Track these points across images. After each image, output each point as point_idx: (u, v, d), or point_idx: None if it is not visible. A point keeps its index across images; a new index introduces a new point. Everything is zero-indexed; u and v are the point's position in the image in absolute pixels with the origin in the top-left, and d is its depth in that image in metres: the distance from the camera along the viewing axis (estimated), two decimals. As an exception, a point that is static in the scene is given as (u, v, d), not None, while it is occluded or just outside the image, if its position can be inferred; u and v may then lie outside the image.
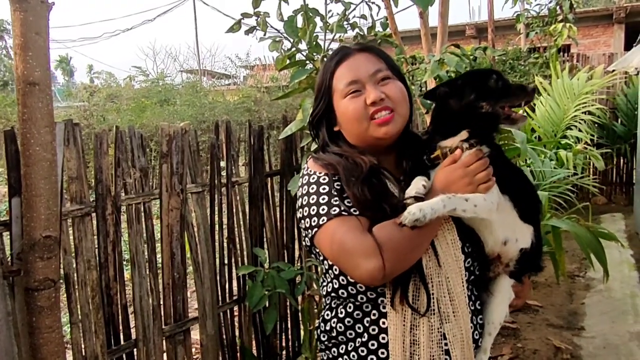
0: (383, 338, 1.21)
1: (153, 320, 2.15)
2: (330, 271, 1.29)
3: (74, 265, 1.89)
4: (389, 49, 2.26)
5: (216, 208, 2.50)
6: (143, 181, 2.14)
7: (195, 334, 2.40)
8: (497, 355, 3.28)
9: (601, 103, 6.90)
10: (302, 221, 1.24)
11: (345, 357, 1.26)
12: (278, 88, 12.61)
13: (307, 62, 2.25)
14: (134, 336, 2.12)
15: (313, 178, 1.24)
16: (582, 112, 5.46)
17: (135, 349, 2.11)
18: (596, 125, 6.87)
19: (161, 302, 2.21)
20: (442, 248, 1.21)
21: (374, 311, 1.23)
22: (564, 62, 7.87)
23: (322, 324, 1.34)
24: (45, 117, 1.44)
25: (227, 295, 2.56)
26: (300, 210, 1.24)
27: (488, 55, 2.58)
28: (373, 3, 2.38)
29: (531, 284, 1.47)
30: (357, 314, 1.25)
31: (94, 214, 1.96)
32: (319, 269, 2.70)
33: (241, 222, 2.63)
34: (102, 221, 1.99)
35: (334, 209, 1.17)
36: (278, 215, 2.84)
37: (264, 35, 2.23)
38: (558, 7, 7.72)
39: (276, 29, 2.26)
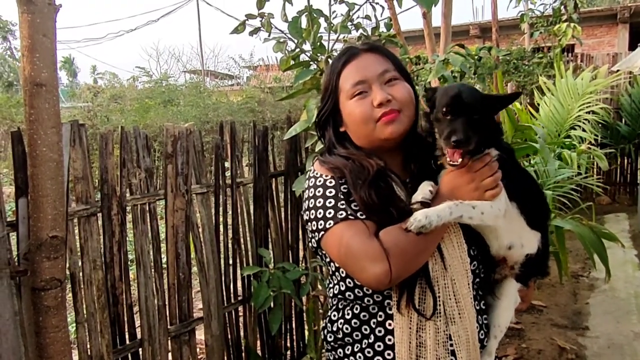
0: (389, 340, 1.21)
1: (158, 320, 2.16)
2: (337, 273, 1.29)
3: (80, 265, 1.89)
4: (394, 49, 2.26)
5: (221, 208, 2.50)
6: (148, 181, 2.15)
7: (200, 334, 2.40)
8: (501, 355, 3.27)
9: (605, 103, 6.88)
10: (309, 224, 1.24)
11: (352, 358, 1.26)
12: (281, 88, 12.63)
13: (311, 62, 2.25)
14: (139, 336, 2.13)
15: (319, 181, 1.24)
16: (586, 112, 5.45)
17: (140, 349, 2.12)
18: (600, 125, 6.85)
19: (166, 302, 2.22)
20: (449, 251, 1.21)
21: (380, 313, 1.23)
22: (568, 62, 7.86)
23: (328, 325, 1.34)
24: (51, 118, 1.45)
25: (232, 295, 2.57)
26: (307, 212, 1.24)
27: (492, 55, 2.57)
28: (377, 4, 2.39)
29: (535, 286, 1.47)
30: (364, 316, 1.25)
31: (99, 214, 1.97)
32: (324, 269, 2.70)
33: (246, 223, 2.64)
34: (108, 221, 2.00)
35: (340, 212, 1.17)
36: (283, 216, 2.84)
37: (268, 36, 2.23)
38: (562, 7, 7.70)
39: (280, 30, 2.27)
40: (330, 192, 1.21)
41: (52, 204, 1.47)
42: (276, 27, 2.25)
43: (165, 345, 2.19)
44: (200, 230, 2.37)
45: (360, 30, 2.35)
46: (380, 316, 1.23)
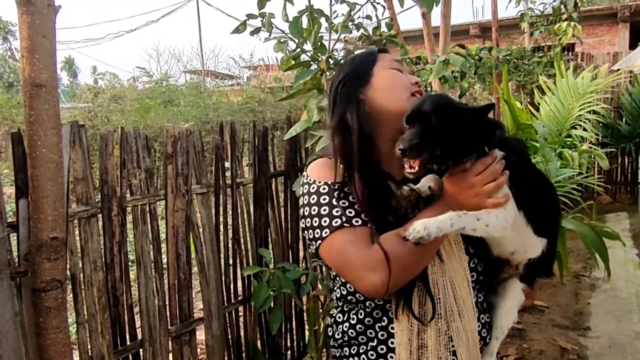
0: (392, 342, 1.22)
1: (159, 321, 2.16)
2: (337, 278, 1.30)
3: (81, 266, 1.89)
4: (394, 49, 2.26)
5: (221, 209, 2.50)
6: (148, 182, 2.14)
7: (200, 334, 2.40)
8: (503, 355, 3.27)
9: (606, 102, 6.88)
10: (306, 232, 1.23)
11: (356, 358, 1.27)
12: (282, 89, 12.62)
13: (312, 62, 2.25)
14: (140, 336, 2.13)
15: (313, 187, 1.23)
16: (587, 112, 5.44)
17: (141, 349, 2.12)
18: (601, 124, 6.85)
19: (167, 303, 2.22)
20: (446, 250, 1.20)
21: (383, 317, 1.23)
22: (568, 61, 7.85)
23: (334, 325, 1.34)
24: (51, 119, 1.45)
25: (232, 295, 2.56)
26: (303, 220, 1.24)
27: (493, 55, 2.57)
28: (378, 3, 2.38)
29: (539, 285, 1.46)
30: (368, 321, 1.25)
31: (99, 215, 1.97)
32: (323, 269, 2.70)
33: (246, 223, 2.64)
34: (108, 222, 1.99)
35: (335, 220, 1.16)
36: (283, 216, 2.84)
37: (269, 36, 2.23)
38: (562, 6, 7.69)
39: (281, 30, 2.26)
40: (324, 199, 1.20)
41: (53, 205, 1.47)
42: (277, 27, 2.25)
43: (165, 346, 2.19)
44: (200, 230, 2.37)
45: (361, 30, 2.34)
46: (384, 320, 1.23)
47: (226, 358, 2.50)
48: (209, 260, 2.39)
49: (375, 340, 1.23)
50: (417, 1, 1.93)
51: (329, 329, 1.37)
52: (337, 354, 1.33)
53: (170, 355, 2.23)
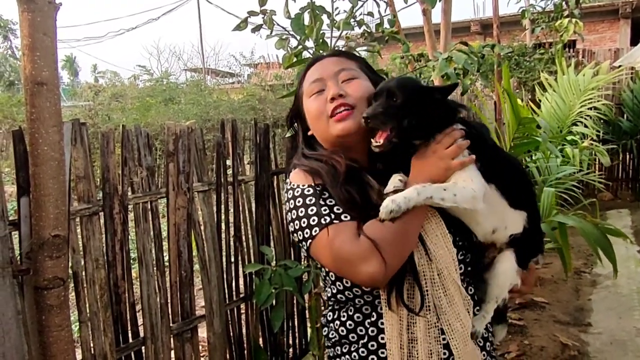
0: (382, 338, 1.22)
1: (161, 319, 2.16)
2: (327, 277, 1.31)
3: (82, 264, 1.90)
4: (396, 46, 2.25)
5: (222, 206, 2.50)
6: (150, 180, 2.14)
7: (202, 332, 2.41)
8: (504, 352, 3.27)
9: (607, 99, 6.87)
10: (295, 235, 1.24)
11: (348, 356, 1.27)
12: (282, 86, 12.62)
13: (313, 59, 2.24)
14: (142, 334, 2.13)
15: (297, 191, 1.24)
16: (588, 108, 5.44)
17: (143, 347, 2.12)
18: (602, 121, 6.84)
19: (169, 300, 2.22)
20: (433, 242, 1.20)
21: (373, 313, 1.24)
22: (569, 57, 7.84)
23: (326, 325, 1.36)
24: (53, 117, 1.45)
25: (234, 293, 2.57)
26: (292, 224, 1.24)
27: (496, 52, 2.57)
28: (380, 0, 2.38)
29: (534, 267, 1.45)
30: (358, 317, 1.26)
31: (101, 213, 1.97)
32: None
33: (247, 220, 2.64)
34: (110, 220, 2.00)
35: (324, 218, 1.17)
36: (284, 213, 2.84)
37: (271, 33, 2.23)
38: (564, 3, 7.67)
39: (283, 27, 2.26)
40: (310, 200, 1.21)
41: (54, 202, 1.47)
42: (278, 24, 2.25)
43: (167, 343, 2.19)
44: (202, 228, 2.37)
45: (363, 27, 2.34)
46: (373, 316, 1.24)
47: (228, 355, 2.50)
48: (211, 258, 2.39)
49: (366, 337, 1.24)
50: (419, -2, 1.92)
51: (324, 329, 1.38)
52: (331, 354, 1.34)
53: (172, 352, 2.24)
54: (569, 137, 5.08)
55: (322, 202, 1.20)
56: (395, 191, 1.15)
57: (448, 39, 4.32)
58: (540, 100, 5.81)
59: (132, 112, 11.15)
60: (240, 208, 2.60)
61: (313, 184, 1.24)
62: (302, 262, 2.86)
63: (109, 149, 1.98)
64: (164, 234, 2.22)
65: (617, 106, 7.40)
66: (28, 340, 1.57)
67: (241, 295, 2.61)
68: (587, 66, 5.96)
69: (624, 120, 7.32)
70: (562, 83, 5.58)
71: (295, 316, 2.89)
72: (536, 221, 1.33)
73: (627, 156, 7.55)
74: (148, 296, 2.12)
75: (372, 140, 1.17)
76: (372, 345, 1.23)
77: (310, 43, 2.24)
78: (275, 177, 2.80)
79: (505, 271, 1.29)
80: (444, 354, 1.20)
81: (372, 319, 1.24)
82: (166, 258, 2.21)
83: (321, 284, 2.59)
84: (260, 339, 2.70)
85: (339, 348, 1.30)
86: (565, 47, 8.24)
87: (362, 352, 1.24)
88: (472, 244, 1.28)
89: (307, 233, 1.19)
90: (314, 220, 1.18)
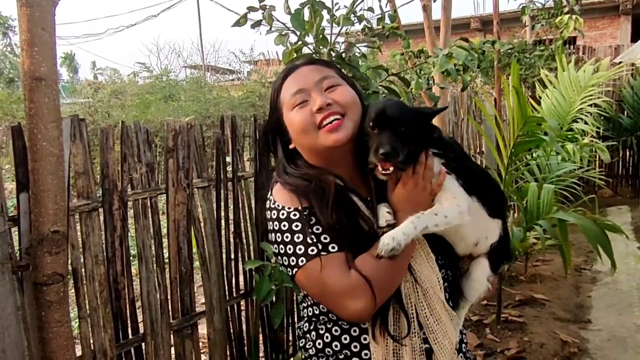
0: (365, 354, 1.20)
1: (161, 315, 2.16)
2: (307, 297, 1.28)
3: (82, 260, 1.89)
4: (396, 42, 2.24)
5: (222, 203, 2.50)
6: (149, 176, 2.14)
7: (202, 328, 2.41)
8: (504, 349, 3.28)
9: (607, 95, 6.87)
10: (279, 257, 1.21)
11: None
12: (282, 83, 12.57)
13: (314, 55, 2.24)
14: (142, 330, 2.13)
15: (283, 214, 1.19)
16: (588, 105, 5.43)
17: (143, 343, 2.12)
18: (602, 117, 6.83)
19: (168, 297, 2.22)
20: (418, 262, 1.19)
21: (354, 328, 1.21)
22: (569, 54, 7.82)
23: (303, 337, 1.31)
24: (52, 113, 1.44)
25: (234, 289, 2.57)
26: (276, 246, 1.21)
27: (496, 49, 2.56)
28: (381, -5, 2.37)
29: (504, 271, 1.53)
30: (336, 330, 1.23)
31: (101, 209, 1.96)
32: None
33: (247, 217, 2.64)
34: (109, 216, 1.99)
35: (311, 248, 1.14)
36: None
37: (270, 29, 2.22)
38: (564, -1, 7.65)
39: (282, 23, 2.25)
40: (297, 226, 1.17)
41: (53, 198, 1.47)
42: (278, 20, 2.24)
43: (167, 340, 2.19)
44: (201, 224, 2.37)
45: (364, 23, 2.33)
46: (355, 331, 1.21)
47: (228, 351, 2.50)
48: (211, 254, 2.39)
49: (348, 352, 1.21)
50: (419, -7, 1.91)
51: (300, 340, 1.35)
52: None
53: (172, 348, 2.24)
54: (569, 134, 5.08)
55: (308, 230, 1.16)
56: (388, 225, 1.16)
57: (448, 35, 4.32)
58: (540, 97, 5.80)
59: (132, 109, 11.15)
60: (240, 204, 2.60)
61: (300, 208, 1.18)
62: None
63: (108, 145, 1.98)
64: (164, 230, 2.21)
65: (618, 103, 7.39)
66: (28, 336, 1.56)
67: (241, 292, 2.61)
68: (588, 63, 5.95)
69: (624, 117, 7.31)
70: (562, 80, 5.57)
71: (295, 313, 2.89)
72: (506, 229, 1.38)
73: (627, 153, 7.55)
74: (148, 292, 2.12)
75: (379, 168, 1.16)
76: None
77: (310, 39, 2.23)
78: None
79: (481, 279, 1.33)
80: None
81: (354, 334, 1.21)
82: (166, 254, 2.21)
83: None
84: (261, 335, 2.70)
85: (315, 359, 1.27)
86: (566, 43, 8.24)
87: None
88: (453, 260, 1.30)
89: (292, 261, 1.16)
90: (300, 250, 1.15)
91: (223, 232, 2.51)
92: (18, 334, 1.53)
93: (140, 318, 2.13)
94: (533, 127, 3.05)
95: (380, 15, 2.39)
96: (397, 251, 1.09)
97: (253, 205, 2.66)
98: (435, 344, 1.19)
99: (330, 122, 1.17)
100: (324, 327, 1.24)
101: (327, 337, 1.23)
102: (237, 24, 2.26)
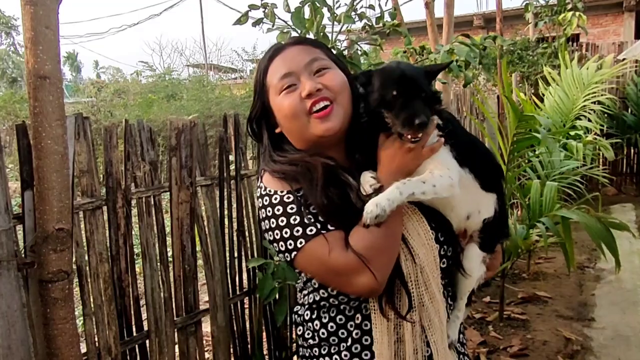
0: (366, 340, 1.19)
1: (165, 312, 2.17)
2: (309, 283, 1.26)
3: (86, 258, 1.90)
4: (397, 40, 2.24)
5: (225, 201, 2.51)
6: (153, 174, 2.15)
7: (206, 326, 2.42)
8: (506, 346, 3.28)
9: (611, 92, 6.84)
10: (274, 244, 1.18)
11: (327, 358, 1.23)
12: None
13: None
14: (146, 328, 2.14)
15: (275, 198, 1.16)
16: (592, 102, 5.41)
17: (147, 340, 2.13)
18: (606, 115, 6.80)
19: (172, 294, 2.23)
20: (415, 240, 1.17)
21: (357, 315, 1.20)
22: (573, 51, 7.78)
23: (303, 324, 1.30)
24: (56, 111, 1.45)
25: (237, 287, 2.57)
26: (270, 233, 1.17)
27: (497, 44, 2.55)
28: (381, -8, 2.37)
29: (501, 250, 1.44)
30: (340, 319, 1.21)
31: (104, 207, 1.97)
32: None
33: (250, 215, 2.64)
34: (113, 214, 2.00)
35: (309, 228, 1.11)
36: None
37: (272, 26, 2.22)
38: (567, -4, 7.63)
39: (283, 20, 2.25)
40: (292, 209, 1.14)
41: (58, 196, 1.47)
42: (279, 18, 2.24)
43: (171, 337, 2.20)
44: (205, 222, 2.38)
45: (365, 20, 2.33)
46: (358, 318, 1.20)
47: (231, 349, 2.51)
48: (214, 252, 2.40)
49: (349, 340, 1.20)
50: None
51: (299, 328, 1.33)
52: (307, 354, 1.28)
53: (176, 346, 2.25)
54: (572, 132, 5.07)
55: (305, 210, 1.13)
56: (374, 191, 1.12)
57: (451, 33, 4.31)
58: (543, 95, 5.78)
59: (135, 109, 11.17)
60: (243, 203, 2.61)
61: (292, 190, 1.15)
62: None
63: (112, 144, 1.99)
64: (168, 228, 2.22)
65: (621, 100, 7.36)
66: (33, 333, 1.58)
67: (244, 290, 2.61)
68: (591, 60, 5.92)
69: (628, 114, 7.28)
70: (565, 77, 5.55)
71: (299, 310, 2.89)
72: (503, 205, 1.32)
73: (632, 150, 7.51)
74: (152, 290, 2.13)
75: (407, 136, 1.11)
76: (356, 348, 1.19)
77: (311, 36, 2.23)
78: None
79: (474, 268, 1.28)
80: (427, 351, 1.19)
81: (357, 321, 1.19)
82: (170, 252, 2.22)
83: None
84: (264, 333, 2.71)
85: (316, 349, 1.25)
86: (569, 40, 8.20)
87: (345, 355, 1.20)
88: (454, 237, 1.26)
89: (290, 244, 1.13)
90: (297, 232, 1.12)
91: (226, 230, 2.52)
92: (24, 331, 1.54)
93: (144, 315, 2.14)
94: (530, 124, 3.05)
95: (380, 14, 2.40)
96: (382, 217, 1.06)
97: (256, 204, 2.67)
98: (427, 321, 1.18)
99: (321, 109, 1.14)
100: (327, 315, 1.23)
101: (331, 327, 1.22)
102: (239, 22, 2.27)
